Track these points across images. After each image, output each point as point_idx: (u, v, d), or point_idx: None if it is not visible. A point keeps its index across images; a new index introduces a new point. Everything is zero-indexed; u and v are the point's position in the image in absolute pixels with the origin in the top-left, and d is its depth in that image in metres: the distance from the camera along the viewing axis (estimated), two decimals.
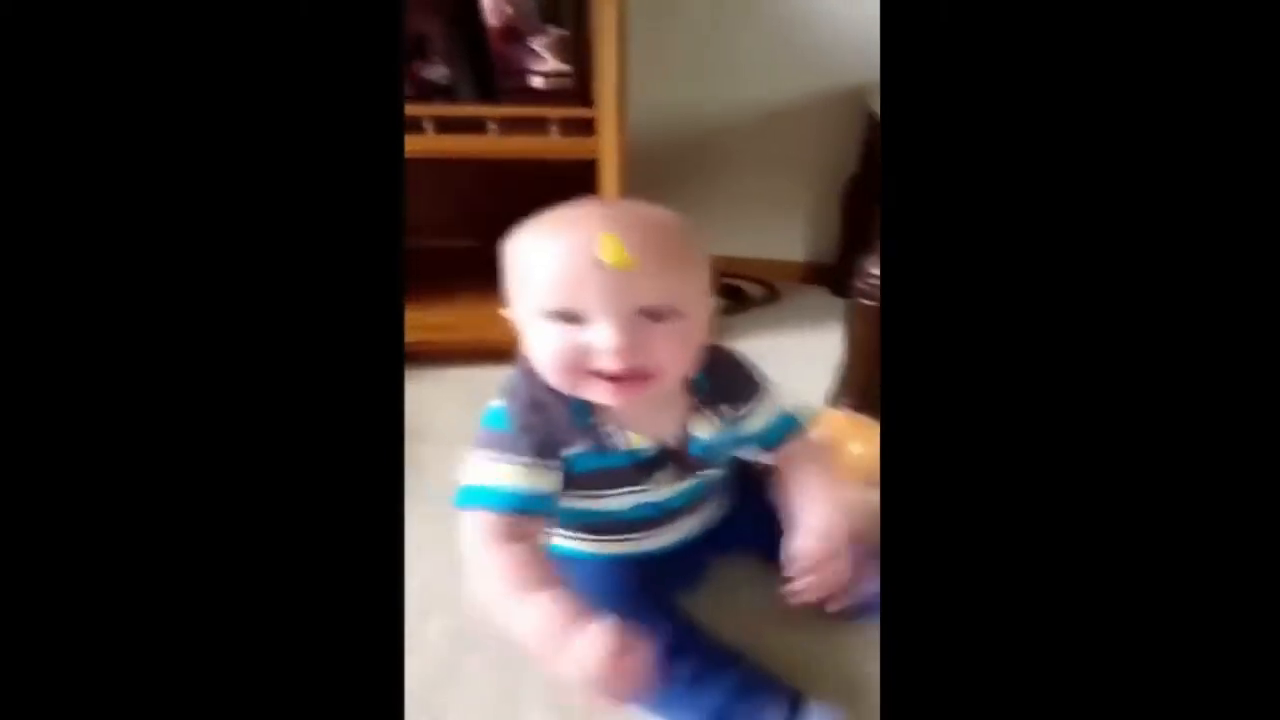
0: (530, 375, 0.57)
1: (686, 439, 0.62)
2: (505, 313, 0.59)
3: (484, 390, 0.62)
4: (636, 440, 0.60)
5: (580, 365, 0.53)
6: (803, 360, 1.04)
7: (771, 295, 1.42)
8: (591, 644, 0.46)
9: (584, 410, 0.58)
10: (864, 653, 0.66)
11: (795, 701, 0.56)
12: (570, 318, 0.52)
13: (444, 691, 0.63)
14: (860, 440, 0.89)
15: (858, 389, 0.98)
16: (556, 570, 0.54)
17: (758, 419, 0.66)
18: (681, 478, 0.63)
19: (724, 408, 0.63)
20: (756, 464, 0.74)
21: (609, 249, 0.50)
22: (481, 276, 1.23)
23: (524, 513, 0.55)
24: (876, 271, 0.89)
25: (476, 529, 0.55)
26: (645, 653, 0.47)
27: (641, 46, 1.26)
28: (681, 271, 0.53)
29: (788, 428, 0.68)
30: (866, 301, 0.91)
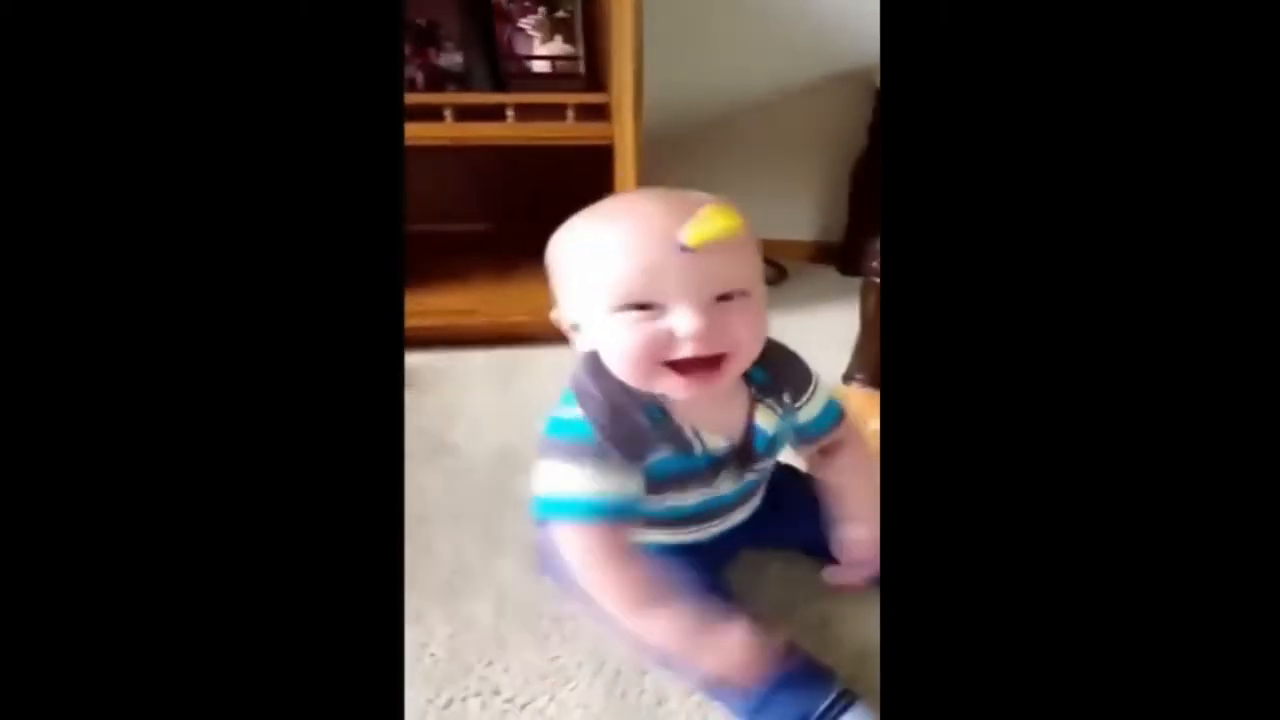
0: (603, 379, 0.57)
1: (752, 433, 0.62)
2: (555, 315, 0.59)
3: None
4: (711, 440, 0.60)
5: (660, 356, 0.52)
6: (811, 338, 1.05)
7: (780, 275, 1.44)
8: (735, 642, 0.52)
9: (659, 412, 0.58)
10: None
11: (846, 695, 0.58)
12: (649, 307, 0.52)
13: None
14: (877, 416, 0.92)
15: (872, 365, 1.01)
16: (667, 575, 0.58)
17: (812, 408, 0.66)
18: (746, 472, 0.64)
19: (784, 398, 0.64)
20: (787, 466, 0.75)
21: (702, 229, 0.50)
22: (498, 260, 1.27)
23: (619, 519, 0.56)
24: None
25: (581, 543, 0.56)
26: (774, 644, 0.53)
27: (651, 30, 1.28)
28: (744, 252, 0.54)
29: (834, 415, 0.68)
30: (877, 280, 0.93)
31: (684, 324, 0.51)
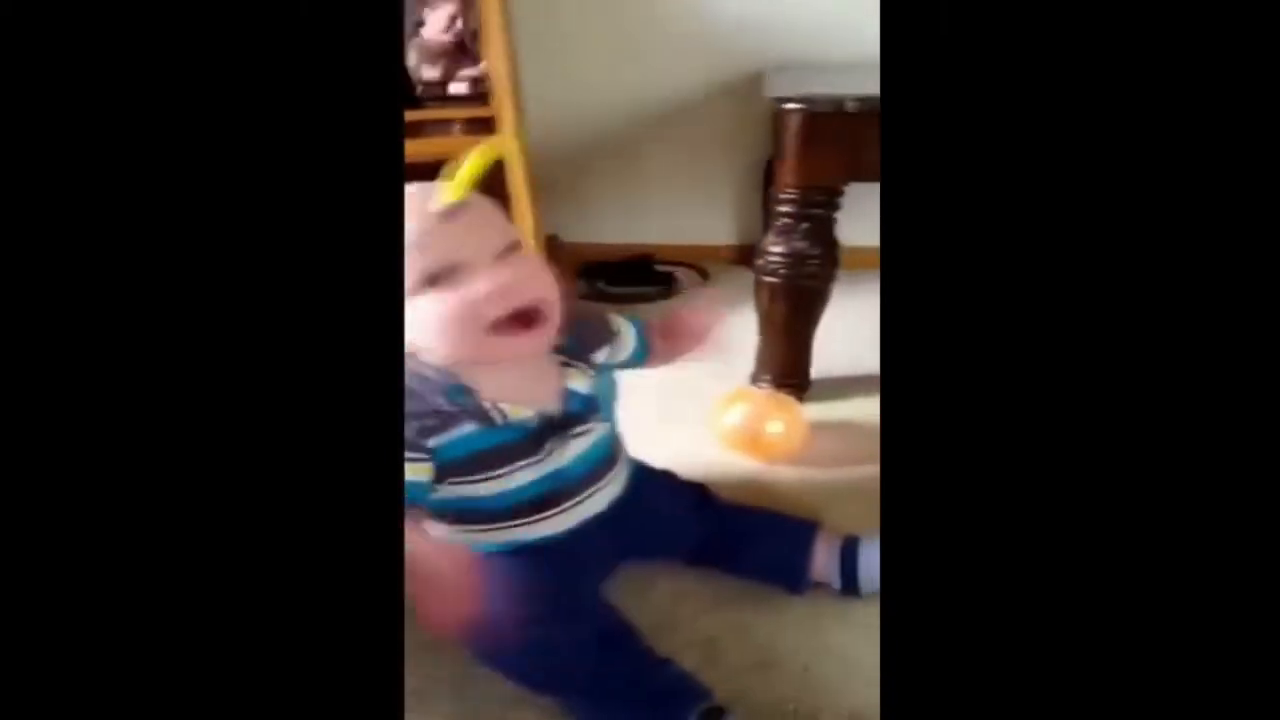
0: (411, 362, 0.57)
1: (566, 397, 0.62)
2: None
3: None
4: (516, 412, 0.59)
5: (477, 323, 0.53)
6: (732, 339, 1.05)
7: (701, 278, 1.43)
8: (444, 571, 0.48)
9: (459, 391, 0.57)
10: (778, 635, 0.66)
11: (713, 713, 0.56)
12: (444, 278, 0.53)
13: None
14: (778, 418, 0.89)
15: (774, 365, 1.00)
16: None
17: (625, 346, 0.69)
18: (571, 436, 0.62)
19: (596, 357, 0.65)
20: (659, 471, 0.74)
21: (450, 185, 0.52)
22: None
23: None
24: (776, 249, 0.90)
25: None
26: (475, 583, 0.48)
27: (552, 44, 1.28)
28: (499, 213, 0.57)
29: (643, 336, 0.72)
30: (768, 278, 0.92)
31: (487, 281, 0.52)
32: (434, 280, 0.52)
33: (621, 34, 1.28)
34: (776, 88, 1.02)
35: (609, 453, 0.67)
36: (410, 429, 0.55)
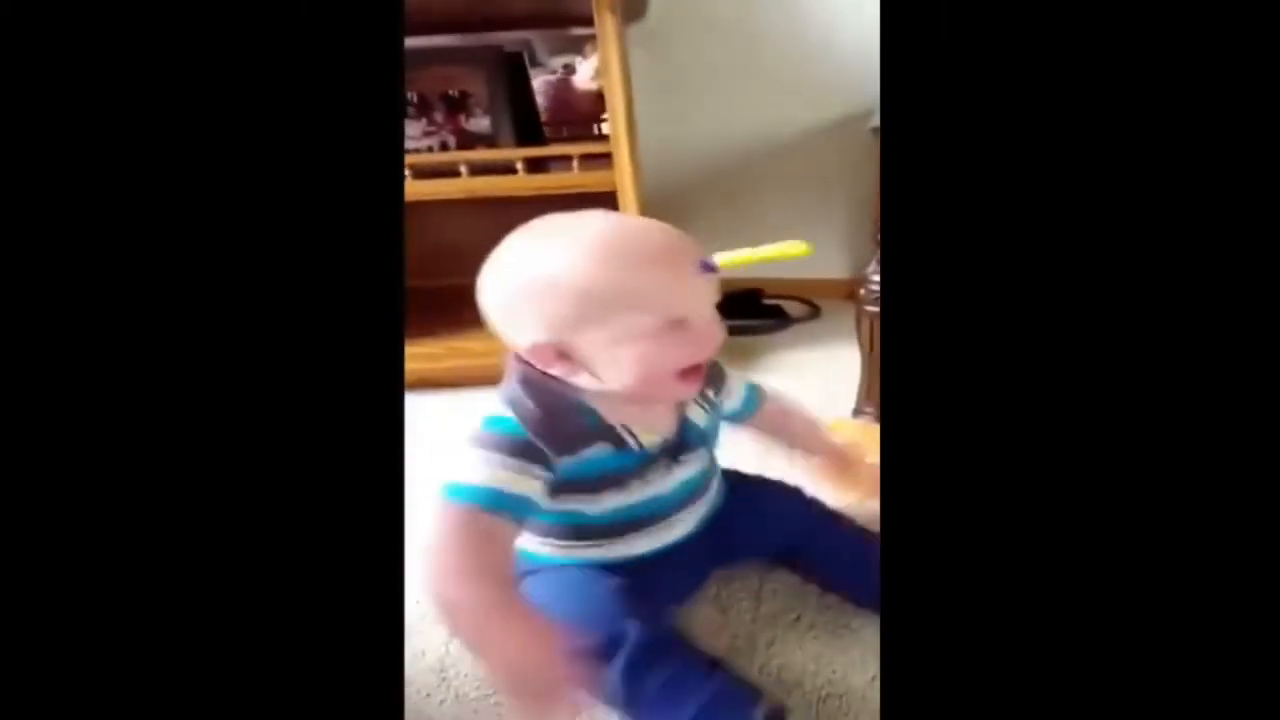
0: (535, 388, 0.58)
1: (684, 427, 0.64)
2: (530, 346, 0.57)
3: None
4: (645, 436, 0.62)
5: (677, 368, 0.57)
6: (843, 373, 1.06)
7: (813, 312, 1.43)
8: (522, 636, 0.47)
9: (592, 413, 0.59)
10: (859, 660, 0.65)
11: (774, 714, 0.55)
12: (680, 323, 0.55)
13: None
14: (876, 450, 0.89)
15: (874, 396, 0.99)
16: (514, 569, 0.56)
17: (734, 397, 0.72)
18: (680, 465, 0.64)
19: (709, 393, 0.68)
20: (750, 476, 0.76)
21: (737, 257, 0.58)
22: None
23: (502, 512, 0.54)
24: (878, 279, 0.90)
25: (441, 518, 0.54)
26: (575, 651, 0.47)
27: (660, 83, 1.35)
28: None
29: (756, 395, 0.75)
30: (870, 308, 0.92)
31: (715, 336, 0.57)
32: (674, 326, 0.55)
33: (733, 74, 1.33)
34: (878, 119, 1.02)
35: (705, 481, 0.69)
36: (557, 437, 0.57)
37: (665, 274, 0.54)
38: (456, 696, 0.65)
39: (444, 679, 0.67)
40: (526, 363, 0.59)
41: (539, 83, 1.34)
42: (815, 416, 0.77)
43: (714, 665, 0.58)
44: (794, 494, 0.75)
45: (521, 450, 0.56)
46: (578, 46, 1.32)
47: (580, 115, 1.33)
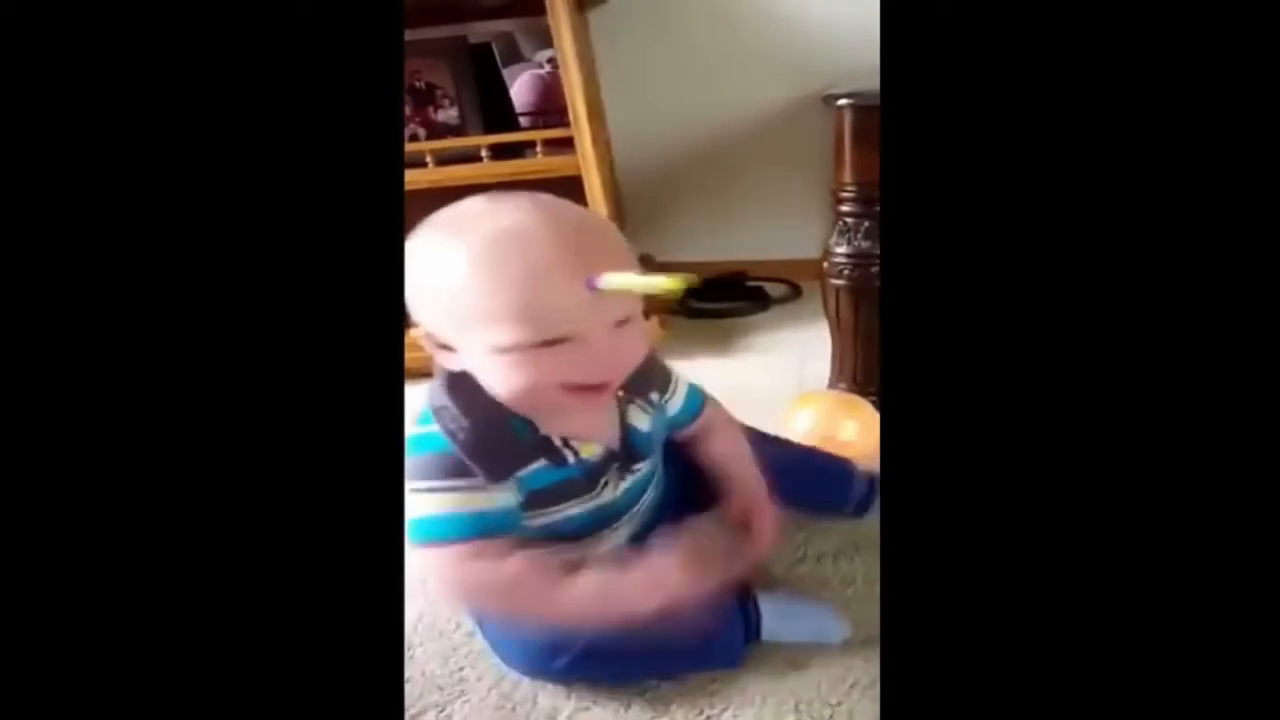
0: (464, 395, 0.54)
1: (628, 434, 0.61)
2: (419, 333, 0.55)
3: None
4: (586, 450, 0.58)
5: (558, 386, 0.51)
6: (824, 351, 1.05)
7: (794, 293, 1.42)
8: (667, 566, 0.50)
9: (524, 427, 0.55)
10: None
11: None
12: (559, 343, 0.49)
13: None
14: (854, 420, 0.88)
15: (848, 369, 0.98)
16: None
17: (676, 400, 0.66)
18: (626, 474, 0.62)
19: (652, 396, 0.64)
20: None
21: (624, 281, 0.48)
22: None
23: (494, 534, 0.53)
24: (839, 250, 0.89)
25: (445, 565, 0.52)
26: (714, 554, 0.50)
27: (627, 65, 1.34)
28: (630, 269, 0.51)
29: (698, 402, 0.68)
30: (833, 280, 0.91)
31: (612, 358, 0.51)
32: (549, 344, 0.49)
33: (703, 55, 1.32)
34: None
35: (649, 485, 0.66)
36: (487, 457, 0.53)
37: (539, 289, 0.48)
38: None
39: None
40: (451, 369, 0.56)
41: (525, 76, 1.33)
42: (748, 451, 0.68)
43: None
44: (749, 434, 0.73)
45: (466, 469, 0.52)
46: None
47: (564, 107, 1.33)
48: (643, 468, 0.63)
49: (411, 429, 0.55)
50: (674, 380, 0.66)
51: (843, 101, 0.81)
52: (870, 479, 0.76)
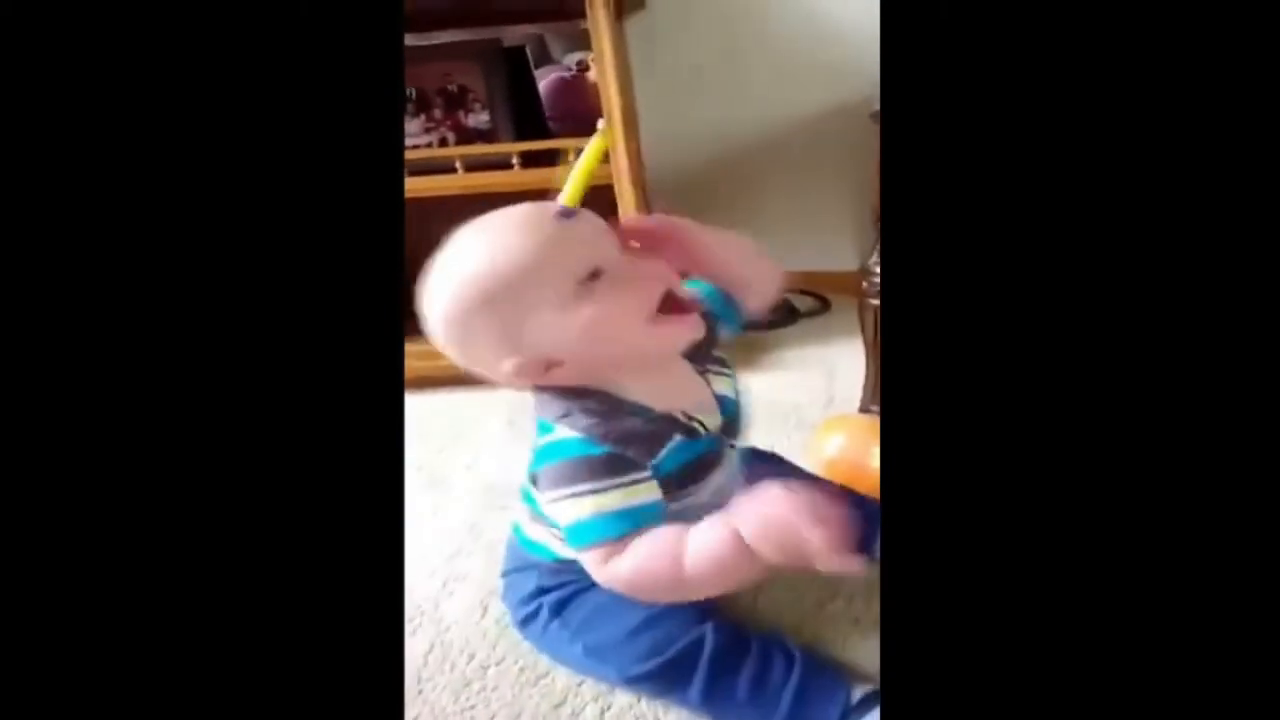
0: (580, 394, 0.55)
1: (723, 405, 0.61)
2: (511, 366, 0.54)
3: None
4: (707, 419, 0.58)
5: (641, 314, 0.53)
6: (855, 367, 1.03)
7: (823, 307, 1.40)
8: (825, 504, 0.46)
9: (642, 408, 0.56)
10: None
11: (870, 697, 0.54)
12: (592, 281, 0.51)
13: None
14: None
15: (879, 392, 0.96)
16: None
17: (723, 327, 0.65)
18: (732, 445, 0.62)
19: (720, 364, 0.63)
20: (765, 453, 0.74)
21: (568, 186, 0.54)
22: None
23: (647, 527, 0.53)
24: (879, 270, 0.87)
25: (646, 554, 0.51)
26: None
27: (661, 75, 1.32)
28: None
29: (722, 300, 0.66)
30: (873, 301, 0.89)
31: (641, 272, 0.53)
32: (586, 284, 0.51)
33: (737, 64, 1.30)
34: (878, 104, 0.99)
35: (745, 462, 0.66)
36: (632, 439, 0.54)
37: (533, 237, 0.51)
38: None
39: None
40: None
41: (551, 79, 1.32)
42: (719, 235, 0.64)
43: (789, 653, 0.57)
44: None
45: (614, 466, 0.53)
46: (590, 44, 1.30)
47: (592, 112, 1.31)
48: (739, 440, 0.64)
49: (539, 440, 0.56)
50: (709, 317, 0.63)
51: None
52: None
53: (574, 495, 0.53)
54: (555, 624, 0.62)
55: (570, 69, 1.34)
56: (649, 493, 0.54)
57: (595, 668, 0.60)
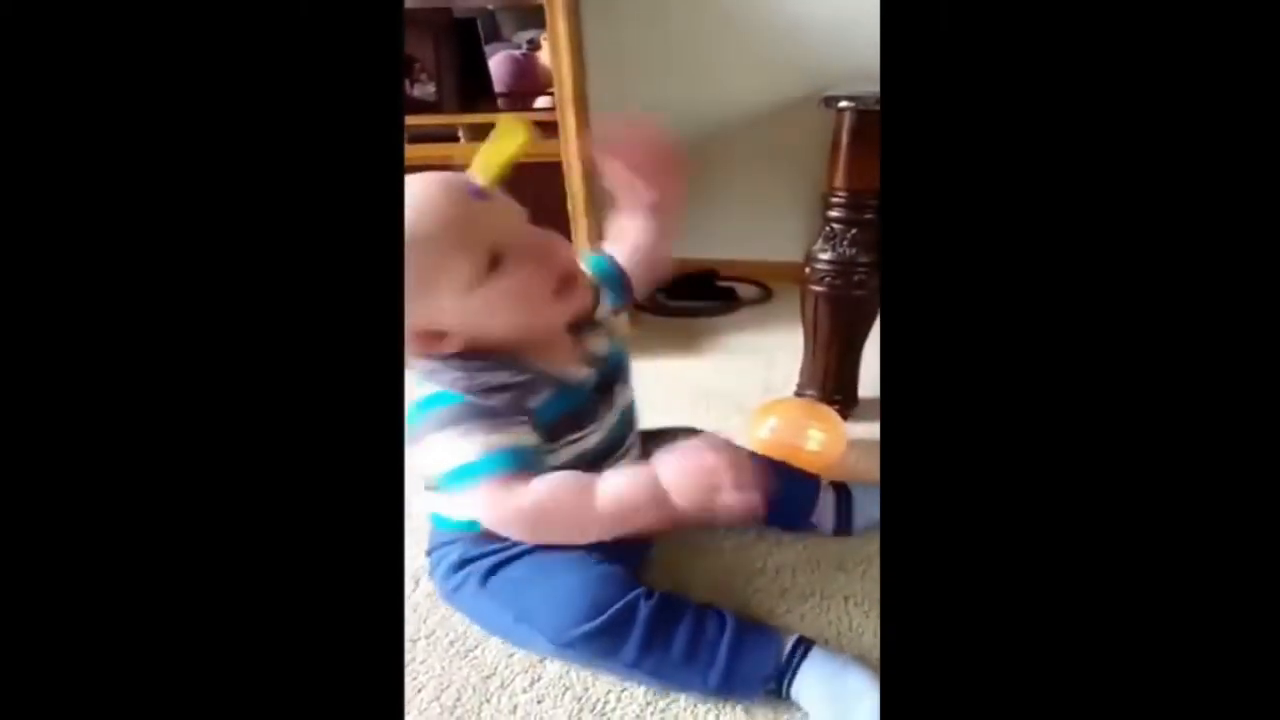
0: (459, 358, 0.56)
1: (601, 360, 0.63)
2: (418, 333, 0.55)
3: None
4: (577, 371, 0.60)
5: (546, 291, 0.55)
6: (787, 357, 1.05)
7: (765, 295, 1.42)
8: (717, 458, 0.48)
9: (510, 364, 0.57)
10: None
11: (802, 643, 0.56)
12: (500, 259, 0.53)
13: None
14: (816, 430, 0.87)
15: (819, 379, 0.97)
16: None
17: (604, 304, 0.67)
18: (616, 397, 0.64)
19: (595, 318, 0.65)
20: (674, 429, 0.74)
21: (483, 170, 0.55)
22: None
23: (522, 470, 0.54)
24: (823, 257, 0.89)
25: (503, 496, 0.53)
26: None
27: (614, 52, 1.32)
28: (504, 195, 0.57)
29: (612, 273, 0.68)
30: (814, 287, 0.90)
31: (537, 250, 0.54)
32: (495, 262, 0.52)
33: (688, 50, 1.31)
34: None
35: (634, 415, 0.69)
36: (504, 400, 0.55)
37: (442, 214, 0.51)
38: None
39: None
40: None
41: (501, 56, 1.30)
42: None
43: (720, 614, 0.58)
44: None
45: (490, 411, 0.54)
46: (542, 22, 1.29)
47: (540, 90, 1.30)
48: (627, 391, 0.66)
49: (412, 396, 0.56)
50: (596, 289, 0.66)
51: (844, 104, 0.80)
52: (838, 492, 0.74)
53: (461, 437, 0.54)
54: (484, 593, 0.61)
55: (521, 47, 1.33)
56: (529, 437, 0.55)
57: (526, 635, 0.60)
